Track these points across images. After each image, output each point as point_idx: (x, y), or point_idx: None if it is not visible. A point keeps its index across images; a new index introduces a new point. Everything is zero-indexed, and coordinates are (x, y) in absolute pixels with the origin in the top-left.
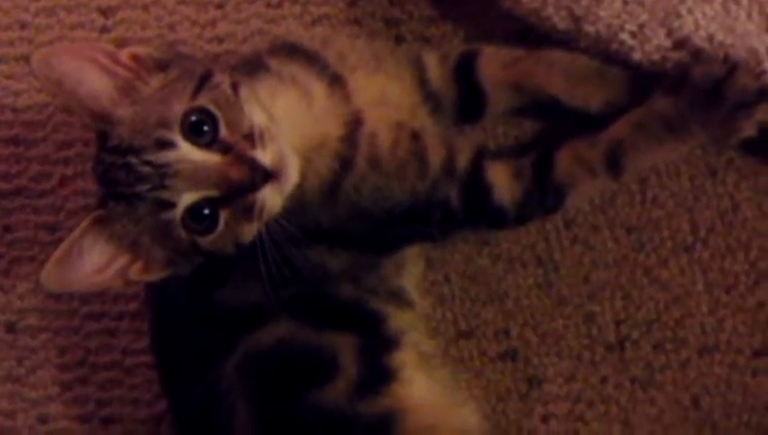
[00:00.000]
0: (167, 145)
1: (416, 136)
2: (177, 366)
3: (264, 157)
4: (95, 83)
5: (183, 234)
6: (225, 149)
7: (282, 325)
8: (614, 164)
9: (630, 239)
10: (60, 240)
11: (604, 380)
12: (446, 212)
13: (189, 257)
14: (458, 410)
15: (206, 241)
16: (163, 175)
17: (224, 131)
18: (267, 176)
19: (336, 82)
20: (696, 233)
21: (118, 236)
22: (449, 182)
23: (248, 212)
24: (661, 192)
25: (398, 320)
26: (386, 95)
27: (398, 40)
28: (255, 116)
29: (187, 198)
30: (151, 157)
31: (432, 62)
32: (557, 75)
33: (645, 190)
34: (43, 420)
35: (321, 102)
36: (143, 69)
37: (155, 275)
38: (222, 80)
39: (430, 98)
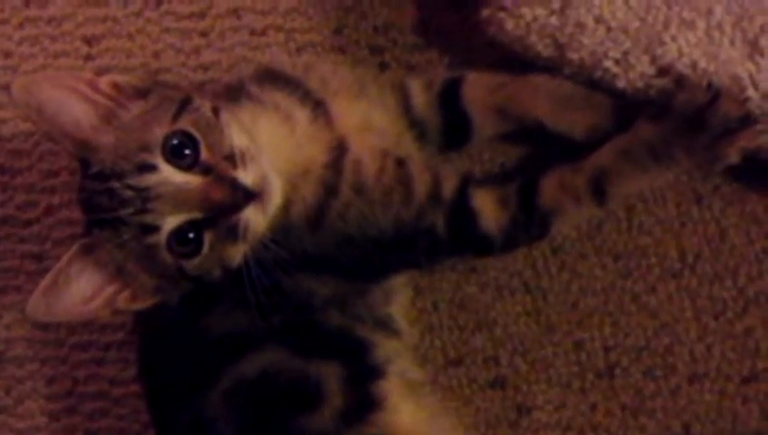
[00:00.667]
0: (148, 168)
1: (401, 163)
2: (165, 394)
3: (246, 177)
4: (75, 111)
5: (168, 258)
6: (207, 170)
7: (268, 353)
8: (599, 191)
9: (618, 266)
10: (46, 269)
11: (594, 407)
12: (433, 240)
13: (176, 283)
14: None
15: (191, 265)
16: (146, 198)
17: (204, 153)
18: (249, 196)
19: (319, 107)
20: (683, 259)
21: (104, 263)
22: (435, 210)
23: (232, 233)
24: (648, 219)
25: (385, 348)
26: (370, 121)
27: (383, 67)
28: (236, 138)
29: (170, 222)
30: (133, 181)
31: (416, 88)
32: (542, 100)
33: (631, 217)
34: None
35: (304, 128)
36: (123, 96)
37: (143, 304)
38: (202, 104)
39: (415, 125)
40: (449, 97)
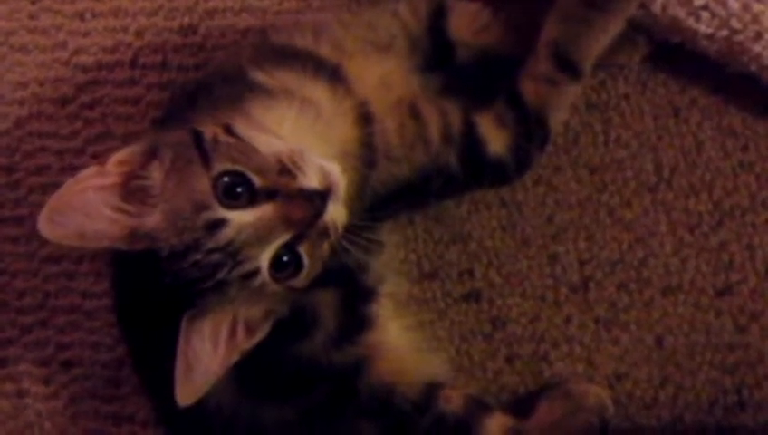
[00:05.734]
0: (217, 225)
1: (415, 112)
2: (147, 330)
3: (311, 181)
4: (103, 211)
5: (277, 287)
6: (271, 194)
7: None
8: (565, 64)
9: (593, 179)
10: (16, 182)
11: (568, 320)
12: (447, 178)
13: (286, 300)
14: (426, 355)
15: (300, 281)
16: (233, 252)
17: (257, 181)
18: (324, 196)
19: (335, 75)
20: (659, 173)
21: (217, 324)
22: (448, 148)
23: (325, 235)
24: (624, 132)
25: (376, 268)
26: (386, 75)
27: None
28: (273, 145)
29: (265, 258)
30: (211, 243)
31: (406, 14)
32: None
33: (608, 130)
34: (3, 363)
35: (327, 106)
36: (135, 167)
37: (261, 333)
38: (215, 132)
39: (415, 49)
40: (435, 26)
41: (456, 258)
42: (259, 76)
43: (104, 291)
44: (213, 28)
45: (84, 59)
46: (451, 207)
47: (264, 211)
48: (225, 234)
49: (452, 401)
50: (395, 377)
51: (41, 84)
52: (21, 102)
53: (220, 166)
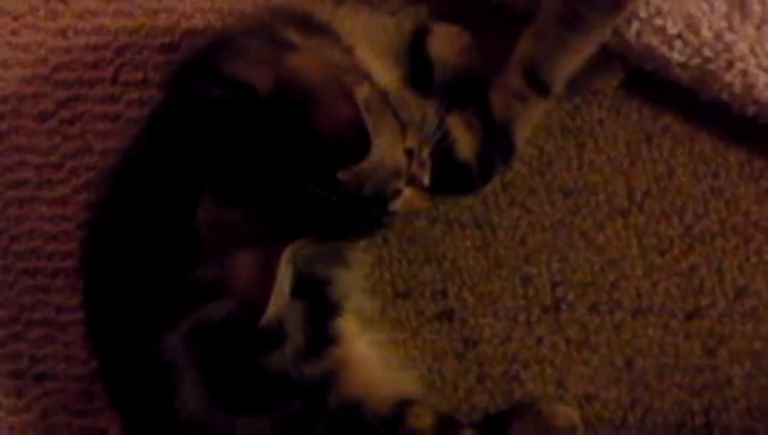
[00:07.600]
0: (398, 194)
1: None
2: (114, 336)
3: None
4: None
5: None
6: (411, 180)
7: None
8: (535, 81)
9: (567, 203)
10: None
11: (539, 341)
12: None
13: None
14: (398, 373)
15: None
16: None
17: (413, 166)
18: None
19: (348, 54)
20: (631, 197)
21: None
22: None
23: None
24: (598, 156)
25: (341, 283)
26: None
27: None
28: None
29: None
30: (392, 206)
31: (391, 31)
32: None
33: (582, 155)
34: None
35: None
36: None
37: None
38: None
39: (398, 63)
40: (417, 44)
41: (429, 278)
42: (293, 36)
43: (79, 305)
44: (193, 47)
45: (65, 75)
46: (425, 226)
47: (408, 193)
48: (397, 204)
49: (423, 419)
50: (363, 390)
51: (21, 99)
52: (0, 117)
53: (410, 141)
